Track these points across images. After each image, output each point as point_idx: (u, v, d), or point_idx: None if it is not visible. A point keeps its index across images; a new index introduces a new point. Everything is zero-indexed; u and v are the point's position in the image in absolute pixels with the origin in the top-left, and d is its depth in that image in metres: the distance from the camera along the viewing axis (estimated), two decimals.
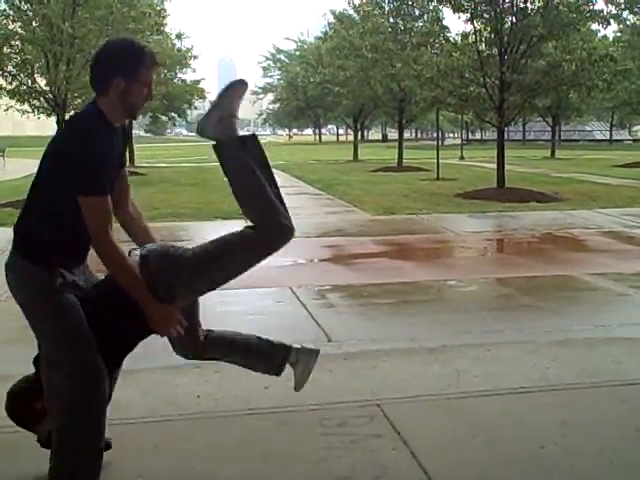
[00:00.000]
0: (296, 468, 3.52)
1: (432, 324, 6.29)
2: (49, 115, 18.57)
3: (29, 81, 18.15)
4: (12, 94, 18.19)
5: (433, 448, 3.71)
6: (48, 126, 20.01)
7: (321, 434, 3.88)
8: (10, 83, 18.09)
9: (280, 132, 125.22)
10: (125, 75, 2.97)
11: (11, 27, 18.07)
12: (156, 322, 3.05)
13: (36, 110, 18.62)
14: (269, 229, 3.18)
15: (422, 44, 20.67)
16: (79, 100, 18.46)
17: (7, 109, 19.75)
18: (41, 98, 18.18)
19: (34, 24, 17.79)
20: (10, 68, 17.94)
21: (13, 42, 17.75)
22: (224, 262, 3.13)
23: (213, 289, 3.23)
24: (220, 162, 3.19)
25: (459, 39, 19.89)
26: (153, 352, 5.27)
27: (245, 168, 3.09)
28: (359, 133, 46.26)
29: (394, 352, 5.33)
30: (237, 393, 4.51)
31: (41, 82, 18.32)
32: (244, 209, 3.18)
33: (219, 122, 3.12)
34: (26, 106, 18.65)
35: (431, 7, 21.18)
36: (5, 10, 18.12)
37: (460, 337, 5.72)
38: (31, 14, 17.91)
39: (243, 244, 3.15)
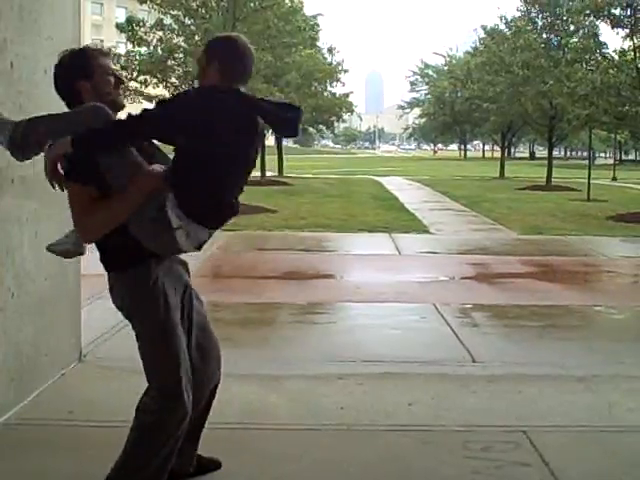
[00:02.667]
0: None
1: (582, 351, 6.04)
2: None
3: None
4: None
5: None
6: None
7: (465, 457, 3.81)
8: (172, 93, 19.04)
9: (425, 147, 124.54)
10: (86, 76, 3.04)
11: (175, 41, 19.05)
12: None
13: None
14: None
15: (577, 60, 20.10)
16: None
17: None
18: None
19: (196, 37, 18.64)
20: (173, 79, 18.91)
21: (177, 55, 18.69)
22: None
23: None
24: None
25: (617, 56, 19.13)
26: (299, 360, 5.41)
27: None
28: (506, 150, 45.33)
29: (541, 377, 5.16)
30: (380, 408, 4.51)
31: None
32: None
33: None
34: None
35: (587, 22, 20.56)
36: (170, 24, 19.10)
37: (612, 367, 5.46)
38: (194, 28, 18.78)
39: None
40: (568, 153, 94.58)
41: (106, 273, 3.08)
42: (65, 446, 3.83)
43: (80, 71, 3.07)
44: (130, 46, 21.21)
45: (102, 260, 3.10)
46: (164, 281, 3.02)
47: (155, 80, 19.98)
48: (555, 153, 40.43)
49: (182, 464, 3.25)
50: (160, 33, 19.94)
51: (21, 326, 4.30)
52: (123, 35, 21.16)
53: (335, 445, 3.96)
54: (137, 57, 20.62)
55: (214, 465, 3.53)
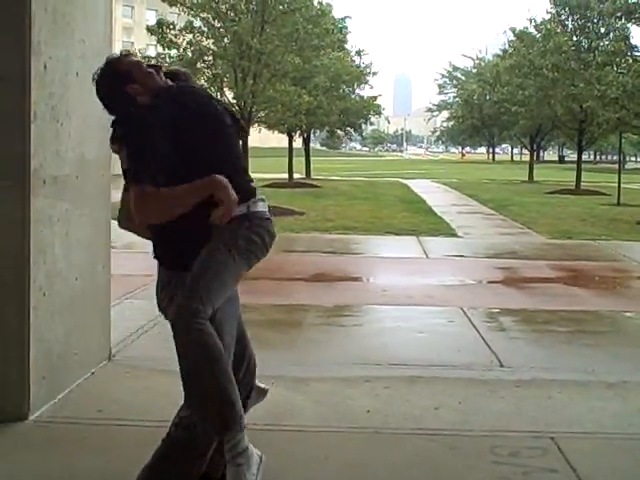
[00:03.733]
0: None
1: (611, 357, 5.98)
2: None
3: (219, 94, 19.15)
4: None
5: None
6: None
7: (492, 462, 3.79)
8: None
9: (453, 150, 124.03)
10: (132, 81, 3.11)
11: (204, 43, 19.17)
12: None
13: None
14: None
15: (607, 63, 19.92)
16: (262, 113, 19.24)
17: None
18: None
19: (225, 40, 18.75)
20: (202, 82, 19.05)
21: (206, 57, 18.81)
22: None
23: None
24: None
25: None
26: (325, 362, 5.42)
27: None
28: (535, 153, 45.00)
29: (570, 383, 5.12)
30: (406, 411, 4.50)
31: (229, 95, 19.27)
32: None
33: None
34: None
35: (618, 25, 20.33)
36: (200, 27, 19.22)
37: None
38: (223, 31, 18.89)
39: None
40: (598, 157, 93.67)
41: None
42: (94, 444, 3.87)
43: (123, 78, 3.12)
44: (160, 49, 21.40)
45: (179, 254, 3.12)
46: None
47: None
48: (584, 157, 40.13)
49: (210, 469, 3.26)
50: (190, 36, 20.09)
51: (52, 325, 4.36)
52: (153, 38, 21.34)
53: (361, 448, 3.96)
54: (167, 59, 20.79)
55: None
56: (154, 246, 3.26)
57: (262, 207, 3.15)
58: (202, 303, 2.88)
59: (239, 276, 3.08)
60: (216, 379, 2.86)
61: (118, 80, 3.12)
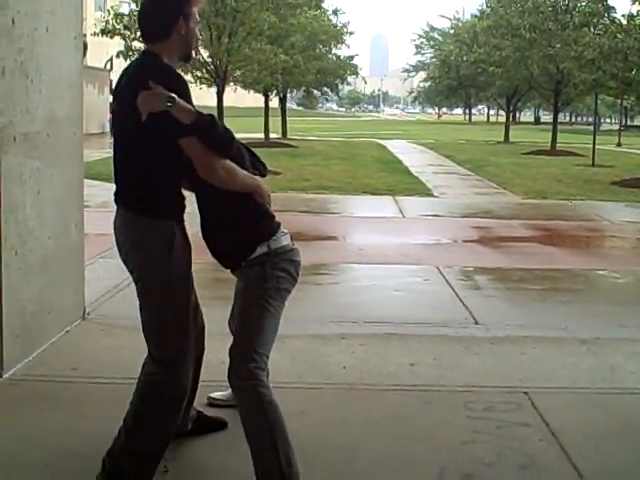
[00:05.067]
0: (440, 448, 3.50)
1: (584, 314, 6.05)
2: (210, 86, 19.27)
3: (193, 52, 18.87)
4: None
5: (583, 443, 3.58)
6: (207, 97, 20.76)
7: (466, 417, 3.83)
8: None
9: (429, 111, 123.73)
10: (184, 15, 2.92)
11: None
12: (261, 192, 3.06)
13: (198, 81, 19.36)
14: None
15: (584, 24, 19.88)
16: (238, 72, 19.02)
17: None
18: (203, 69, 18.85)
19: None
20: None
21: None
22: None
23: None
24: None
25: (625, 20, 18.88)
26: (301, 320, 5.42)
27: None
28: (511, 114, 44.99)
29: (543, 340, 5.18)
30: (382, 368, 4.53)
31: (204, 54, 18.99)
32: None
33: None
34: (189, 77, 19.42)
35: None
36: None
37: (614, 330, 5.47)
38: None
39: None
40: (573, 118, 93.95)
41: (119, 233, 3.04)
42: (68, 402, 3.86)
43: (184, 8, 2.93)
44: (134, 6, 21.00)
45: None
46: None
47: None
48: (560, 118, 40.13)
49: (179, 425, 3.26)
50: None
51: (25, 284, 4.31)
52: None
53: (338, 403, 3.99)
54: None
55: (220, 425, 3.57)
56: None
57: (284, 241, 3.16)
58: (255, 361, 2.95)
59: (279, 315, 3.12)
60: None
61: (172, 5, 2.96)
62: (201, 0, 3.09)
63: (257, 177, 3.08)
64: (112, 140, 3.20)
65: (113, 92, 3.20)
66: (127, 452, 2.96)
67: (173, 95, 2.76)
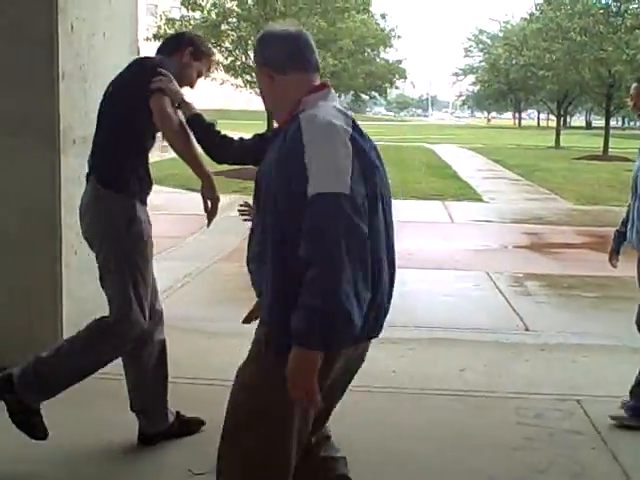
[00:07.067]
0: (490, 453, 3.49)
1: None
2: None
3: (243, 57, 19.07)
4: (227, 69, 19.25)
5: (636, 452, 3.54)
6: (257, 101, 21.02)
7: (517, 423, 3.82)
8: (226, 58, 19.10)
9: (478, 115, 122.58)
10: (193, 54, 3.35)
11: (228, 5, 19.05)
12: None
13: (247, 85, 19.54)
14: None
15: (636, 27, 19.51)
16: None
17: (222, 83, 20.86)
18: (252, 73, 19.02)
19: (250, 2, 18.62)
20: (227, 44, 18.97)
21: (230, 19, 18.71)
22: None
23: None
24: None
25: None
26: None
27: None
28: (561, 119, 44.42)
29: (595, 348, 5.12)
30: (432, 373, 4.53)
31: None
32: None
33: None
34: (239, 80, 19.62)
35: None
36: None
37: None
38: None
39: None
40: (626, 123, 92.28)
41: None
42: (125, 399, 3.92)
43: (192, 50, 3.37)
44: (184, 11, 21.29)
45: None
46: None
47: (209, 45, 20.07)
48: (612, 122, 39.49)
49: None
50: None
51: (83, 282, 4.41)
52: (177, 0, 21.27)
53: (387, 407, 4.00)
54: (191, 22, 20.69)
55: (197, 425, 3.55)
56: None
57: None
58: None
59: None
60: None
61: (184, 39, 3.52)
62: (206, 62, 3.45)
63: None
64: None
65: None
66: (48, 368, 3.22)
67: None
